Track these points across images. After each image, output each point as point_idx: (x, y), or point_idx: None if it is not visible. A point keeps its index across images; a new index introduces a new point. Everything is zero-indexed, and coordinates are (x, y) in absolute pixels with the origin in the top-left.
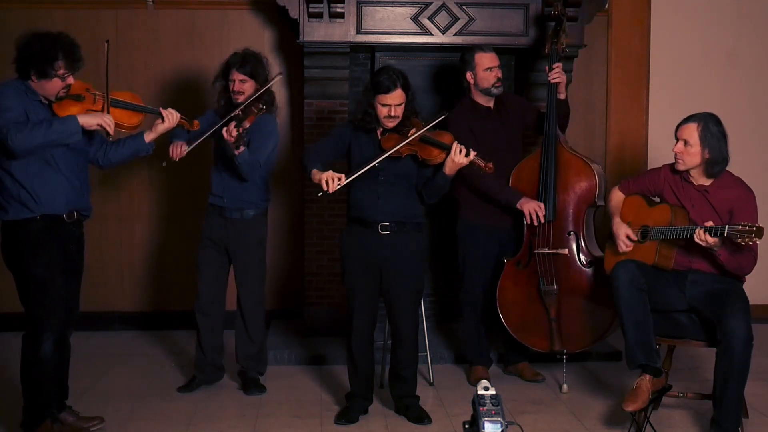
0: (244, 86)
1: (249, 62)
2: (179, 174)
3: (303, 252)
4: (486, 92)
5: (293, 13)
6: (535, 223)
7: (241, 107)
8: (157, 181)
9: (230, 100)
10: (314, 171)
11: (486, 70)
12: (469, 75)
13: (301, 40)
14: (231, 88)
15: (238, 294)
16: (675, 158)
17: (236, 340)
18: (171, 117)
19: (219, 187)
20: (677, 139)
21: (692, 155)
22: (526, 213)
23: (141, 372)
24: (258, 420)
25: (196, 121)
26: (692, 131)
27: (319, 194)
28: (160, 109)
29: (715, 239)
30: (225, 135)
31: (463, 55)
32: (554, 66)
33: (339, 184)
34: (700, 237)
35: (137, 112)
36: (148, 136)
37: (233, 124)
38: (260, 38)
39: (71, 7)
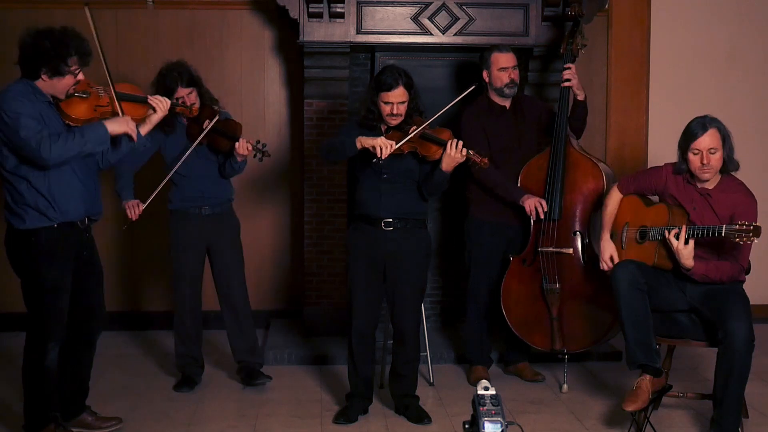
0: (192, 96)
1: (186, 73)
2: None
3: (303, 252)
4: (499, 92)
5: (293, 13)
6: (533, 218)
7: (212, 124)
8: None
9: (172, 117)
10: (361, 138)
11: (500, 69)
12: (485, 73)
13: (301, 40)
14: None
15: (227, 291)
16: (702, 171)
17: (231, 338)
18: (162, 104)
19: (194, 188)
20: (697, 152)
21: (718, 160)
22: (527, 209)
23: (141, 372)
24: (258, 420)
25: (195, 106)
26: (717, 138)
27: (373, 161)
28: (148, 97)
29: (683, 246)
30: (242, 152)
31: (482, 53)
32: (566, 66)
33: (391, 151)
34: (670, 240)
35: (141, 104)
36: (143, 129)
37: (243, 140)
38: (260, 38)
39: (71, 7)
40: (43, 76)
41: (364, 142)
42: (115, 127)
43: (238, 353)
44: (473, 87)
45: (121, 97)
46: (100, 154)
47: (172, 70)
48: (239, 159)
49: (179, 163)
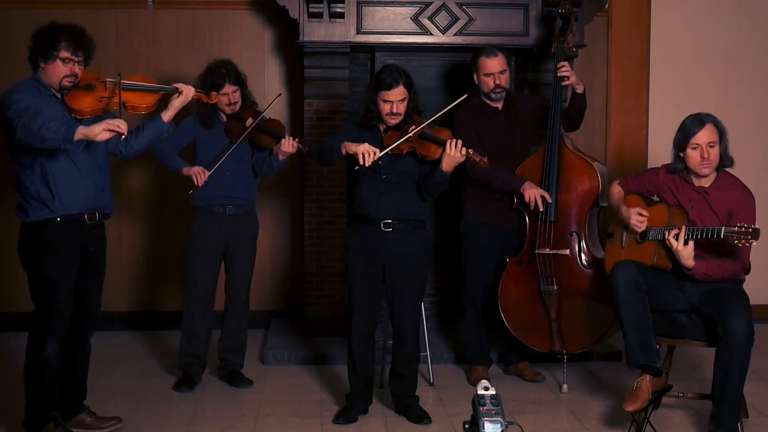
0: (236, 95)
1: (234, 71)
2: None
3: (303, 252)
4: (486, 96)
5: (293, 13)
6: (532, 206)
7: (256, 122)
8: (154, 181)
9: (213, 112)
10: (346, 143)
11: (486, 75)
12: (475, 77)
13: (301, 40)
14: (226, 101)
15: (236, 291)
16: (701, 166)
17: (224, 335)
18: (187, 90)
19: (223, 187)
20: (696, 146)
21: (716, 154)
22: (527, 198)
23: (141, 372)
24: (258, 420)
25: (213, 93)
26: (714, 132)
27: (356, 167)
28: (174, 85)
29: (682, 246)
30: (287, 149)
31: (473, 55)
32: (560, 64)
33: (374, 159)
34: (670, 242)
35: (151, 92)
36: (166, 115)
37: (289, 138)
38: (260, 38)
39: (71, 7)
40: (40, 63)
41: (348, 148)
42: (90, 129)
43: (225, 351)
44: (465, 96)
45: (127, 87)
46: (123, 142)
47: (220, 67)
48: (281, 157)
49: (225, 157)
